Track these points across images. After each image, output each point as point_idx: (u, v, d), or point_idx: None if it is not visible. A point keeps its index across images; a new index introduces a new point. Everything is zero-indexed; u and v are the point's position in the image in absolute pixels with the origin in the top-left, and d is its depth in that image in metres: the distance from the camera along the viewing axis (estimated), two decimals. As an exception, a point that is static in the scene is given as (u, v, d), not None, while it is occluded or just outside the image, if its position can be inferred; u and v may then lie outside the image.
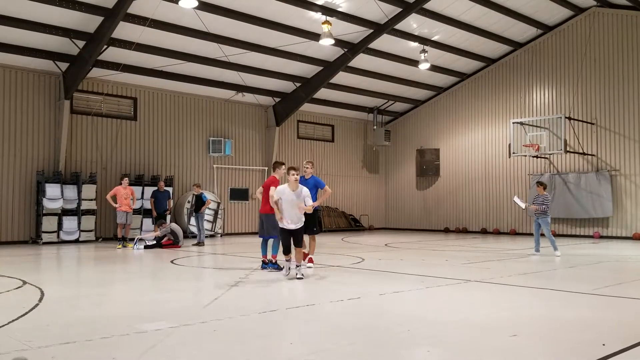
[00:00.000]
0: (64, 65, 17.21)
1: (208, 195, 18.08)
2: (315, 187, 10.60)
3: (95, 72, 17.66)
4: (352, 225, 25.21)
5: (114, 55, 17.06)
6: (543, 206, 12.85)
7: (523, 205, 13.58)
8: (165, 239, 15.27)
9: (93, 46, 16.07)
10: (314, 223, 10.65)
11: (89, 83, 18.17)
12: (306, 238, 10.57)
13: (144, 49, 17.15)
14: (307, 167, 10.74)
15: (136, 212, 17.65)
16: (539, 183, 13.41)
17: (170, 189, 18.97)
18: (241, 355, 4.44)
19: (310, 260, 10.52)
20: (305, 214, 10.45)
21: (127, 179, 15.98)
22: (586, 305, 6.76)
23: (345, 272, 9.94)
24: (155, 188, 17.52)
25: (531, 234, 21.59)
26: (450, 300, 7.19)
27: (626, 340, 4.75)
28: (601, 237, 19.72)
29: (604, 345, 4.62)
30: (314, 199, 10.54)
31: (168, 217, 17.64)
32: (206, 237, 18.18)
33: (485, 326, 5.51)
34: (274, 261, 9.98)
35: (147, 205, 17.86)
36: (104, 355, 4.39)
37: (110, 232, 18.29)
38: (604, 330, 5.28)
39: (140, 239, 15.91)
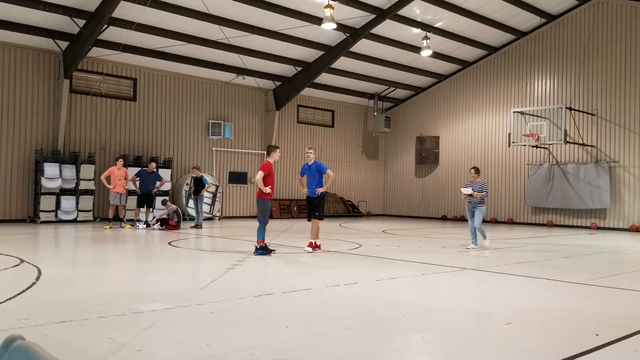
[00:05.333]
0: (63, 44, 17.08)
1: (207, 178, 18.05)
2: (318, 172, 10.62)
3: (95, 52, 17.54)
4: (350, 211, 25.24)
5: (114, 34, 16.93)
6: (483, 192, 11.81)
7: (469, 191, 12.03)
8: (169, 219, 15.35)
9: (93, 25, 15.93)
10: (318, 209, 10.70)
11: (88, 62, 18.06)
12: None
13: (145, 29, 17.02)
14: (309, 153, 10.74)
15: (133, 192, 17.60)
16: (476, 169, 12.27)
17: (168, 171, 18.94)
18: (237, 337, 4.47)
19: (310, 245, 10.51)
20: (311, 200, 10.62)
21: (121, 160, 15.94)
22: (581, 295, 6.80)
23: (342, 258, 9.97)
24: (144, 168, 17.21)
25: (527, 224, 21.72)
26: (446, 287, 7.23)
27: (620, 331, 4.78)
28: (598, 228, 19.78)
29: (597, 335, 4.65)
30: (320, 184, 10.63)
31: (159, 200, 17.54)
32: (204, 219, 18.20)
33: (479, 314, 5.55)
34: (258, 246, 9.91)
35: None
36: (100, 334, 4.41)
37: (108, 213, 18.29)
38: (598, 320, 5.31)
39: (139, 220, 15.97)
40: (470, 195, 11.90)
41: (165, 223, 15.34)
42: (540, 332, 4.82)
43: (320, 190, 10.54)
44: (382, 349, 4.21)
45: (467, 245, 12.06)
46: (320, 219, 10.72)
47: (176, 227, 15.28)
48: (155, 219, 15.73)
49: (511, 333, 4.81)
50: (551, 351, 4.26)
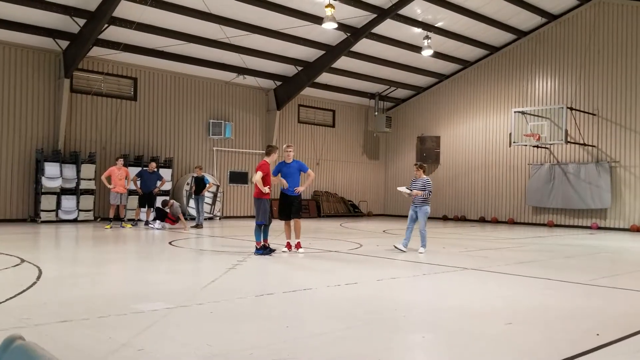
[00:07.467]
0: (64, 44, 17.08)
1: (208, 178, 18.04)
2: (298, 171, 10.44)
3: (96, 51, 17.53)
4: (350, 211, 25.23)
5: (114, 34, 16.93)
6: (425, 191, 11.22)
7: (407, 192, 11.40)
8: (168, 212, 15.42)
9: (94, 24, 15.93)
10: (299, 208, 10.54)
11: (89, 62, 18.06)
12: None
13: (145, 29, 17.01)
14: (289, 151, 10.41)
15: (134, 192, 17.59)
16: (419, 165, 11.63)
17: (169, 171, 18.94)
18: (237, 337, 4.46)
19: (298, 246, 10.41)
20: (289, 199, 10.38)
21: (121, 159, 15.93)
22: (582, 295, 6.80)
23: (342, 258, 9.97)
24: (145, 168, 17.19)
25: (528, 224, 21.70)
26: (447, 287, 7.22)
27: (620, 331, 4.77)
28: (599, 228, 19.76)
29: (598, 335, 4.65)
30: (298, 183, 10.47)
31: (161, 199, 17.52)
32: (205, 219, 18.19)
33: (480, 314, 5.54)
34: (258, 247, 9.87)
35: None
36: (101, 334, 4.41)
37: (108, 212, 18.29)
38: (599, 320, 5.30)
39: (148, 221, 15.91)
40: (411, 194, 11.13)
41: (164, 216, 15.34)
42: (540, 332, 4.82)
43: (300, 189, 10.35)
44: (382, 348, 4.21)
45: (395, 244, 11.28)
46: (300, 217, 10.60)
47: (174, 222, 15.33)
48: (154, 218, 15.74)
49: (511, 333, 4.80)
50: (552, 351, 4.26)
